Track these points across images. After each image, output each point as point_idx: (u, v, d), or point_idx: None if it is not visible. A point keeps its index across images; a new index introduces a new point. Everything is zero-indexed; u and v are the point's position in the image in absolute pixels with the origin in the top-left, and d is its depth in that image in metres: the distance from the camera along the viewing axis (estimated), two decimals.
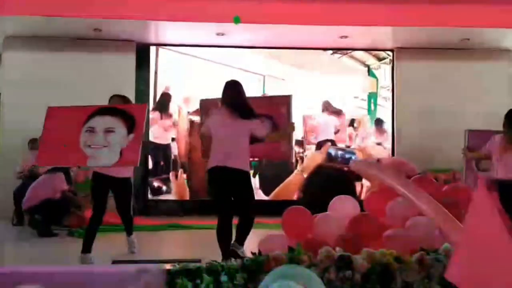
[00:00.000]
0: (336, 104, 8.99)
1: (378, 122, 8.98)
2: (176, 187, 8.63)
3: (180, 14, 7.37)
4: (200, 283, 2.91)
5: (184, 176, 8.63)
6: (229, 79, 4.96)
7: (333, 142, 8.80)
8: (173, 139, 8.70)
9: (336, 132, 8.85)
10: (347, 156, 8.74)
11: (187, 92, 8.69)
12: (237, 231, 4.32)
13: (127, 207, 5.27)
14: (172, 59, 8.77)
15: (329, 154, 8.64)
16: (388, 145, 8.90)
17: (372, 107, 9.08)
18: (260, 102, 5.32)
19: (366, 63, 9.18)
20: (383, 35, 8.27)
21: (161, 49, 8.76)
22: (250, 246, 3.99)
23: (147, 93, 8.63)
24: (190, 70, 8.74)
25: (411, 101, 8.70)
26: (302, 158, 8.81)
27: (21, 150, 7.51)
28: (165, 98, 8.69)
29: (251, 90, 8.79)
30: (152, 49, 8.70)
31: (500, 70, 8.80)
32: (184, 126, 8.67)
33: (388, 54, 9.07)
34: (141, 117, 4.44)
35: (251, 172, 4.74)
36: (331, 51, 9.09)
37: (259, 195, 8.30)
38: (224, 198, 4.37)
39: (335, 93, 9.00)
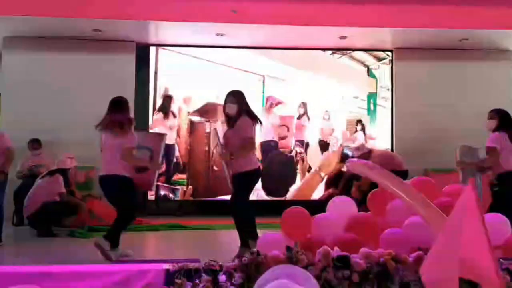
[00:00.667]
0: (336, 104, 9.01)
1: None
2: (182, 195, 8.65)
3: (180, 14, 7.39)
4: (198, 282, 2.92)
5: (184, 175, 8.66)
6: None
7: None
8: None
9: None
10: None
11: (187, 93, 8.70)
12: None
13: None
14: (172, 59, 8.78)
15: (345, 154, 8.69)
16: (388, 145, 8.91)
17: (372, 107, 9.10)
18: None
19: (366, 63, 9.20)
20: (383, 35, 8.29)
21: (161, 50, 8.77)
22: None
23: (147, 93, 8.64)
24: (190, 71, 8.75)
25: (411, 101, 8.71)
26: (303, 159, 8.83)
27: (20, 150, 7.51)
28: (168, 100, 8.70)
29: (252, 90, 8.85)
30: (152, 49, 8.70)
31: (499, 70, 8.81)
32: (184, 126, 8.69)
33: (388, 55, 9.08)
34: (158, 146, 5.11)
35: None
36: (331, 52, 9.10)
37: (260, 196, 8.32)
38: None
39: (335, 93, 9.02)
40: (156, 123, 8.63)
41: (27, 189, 6.79)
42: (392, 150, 8.84)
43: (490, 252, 1.52)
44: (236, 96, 4.81)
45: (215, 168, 8.32)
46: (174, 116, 8.69)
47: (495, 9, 7.45)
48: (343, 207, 4.08)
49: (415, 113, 8.61)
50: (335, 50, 9.07)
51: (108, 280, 3.15)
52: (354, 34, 8.10)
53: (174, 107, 8.68)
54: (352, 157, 8.68)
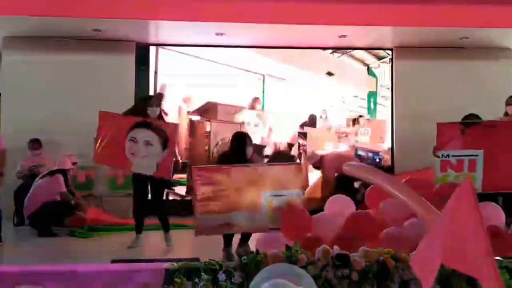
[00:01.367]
0: (336, 103, 9.01)
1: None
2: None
3: (179, 14, 7.38)
4: (198, 281, 2.93)
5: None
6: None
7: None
8: None
9: None
10: (374, 156, 8.91)
11: (187, 92, 8.70)
12: None
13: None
14: (172, 59, 8.79)
15: (358, 155, 8.72)
16: (388, 143, 8.91)
17: (372, 106, 9.10)
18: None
19: (366, 62, 9.20)
20: (383, 34, 8.27)
21: (160, 49, 8.76)
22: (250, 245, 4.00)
23: (147, 93, 8.63)
24: (190, 70, 8.75)
25: (411, 99, 8.70)
26: (305, 151, 8.83)
27: (20, 150, 7.52)
28: (159, 98, 8.68)
29: (251, 89, 8.86)
30: (152, 49, 8.70)
31: (499, 68, 8.80)
32: (184, 125, 8.68)
33: (388, 53, 9.08)
34: (174, 135, 5.32)
35: None
36: (330, 50, 9.10)
37: None
38: None
39: (334, 92, 9.02)
40: None
41: (27, 189, 6.79)
42: (392, 149, 8.85)
43: (487, 246, 1.52)
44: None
45: None
46: (166, 114, 8.69)
47: (495, 8, 7.44)
48: (340, 206, 4.09)
49: (415, 112, 8.61)
50: (335, 49, 9.07)
51: (108, 279, 3.15)
52: (354, 33, 8.09)
53: (169, 105, 8.68)
54: (367, 157, 8.82)
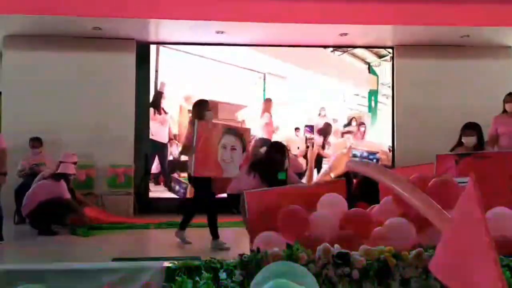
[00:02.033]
0: (337, 102, 9.00)
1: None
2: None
3: (180, 12, 7.38)
4: (199, 280, 2.93)
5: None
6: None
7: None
8: (174, 136, 8.70)
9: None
10: (370, 156, 8.92)
11: (187, 90, 8.70)
12: None
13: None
14: (172, 57, 8.78)
15: (354, 155, 8.74)
16: (389, 142, 8.91)
17: (373, 104, 9.09)
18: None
19: (367, 60, 9.18)
20: (383, 32, 8.27)
21: (161, 48, 8.76)
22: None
23: (147, 91, 8.63)
24: (191, 68, 8.75)
25: (412, 98, 8.69)
26: (313, 144, 8.83)
27: (21, 149, 7.52)
28: (158, 96, 8.70)
29: (252, 88, 8.85)
30: (152, 47, 8.70)
31: (500, 66, 8.79)
32: (185, 124, 8.67)
33: (389, 52, 9.07)
34: (248, 139, 5.67)
35: None
36: (331, 49, 9.09)
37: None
38: None
39: (335, 90, 9.01)
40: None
41: (28, 187, 6.78)
42: (393, 147, 8.85)
43: (492, 252, 1.52)
44: None
45: None
46: (165, 112, 8.70)
47: (496, 6, 7.44)
48: (333, 204, 4.08)
49: (416, 110, 8.60)
50: (336, 47, 9.06)
51: (109, 278, 3.15)
52: (354, 31, 8.09)
53: (169, 103, 8.68)
54: (364, 158, 8.85)
